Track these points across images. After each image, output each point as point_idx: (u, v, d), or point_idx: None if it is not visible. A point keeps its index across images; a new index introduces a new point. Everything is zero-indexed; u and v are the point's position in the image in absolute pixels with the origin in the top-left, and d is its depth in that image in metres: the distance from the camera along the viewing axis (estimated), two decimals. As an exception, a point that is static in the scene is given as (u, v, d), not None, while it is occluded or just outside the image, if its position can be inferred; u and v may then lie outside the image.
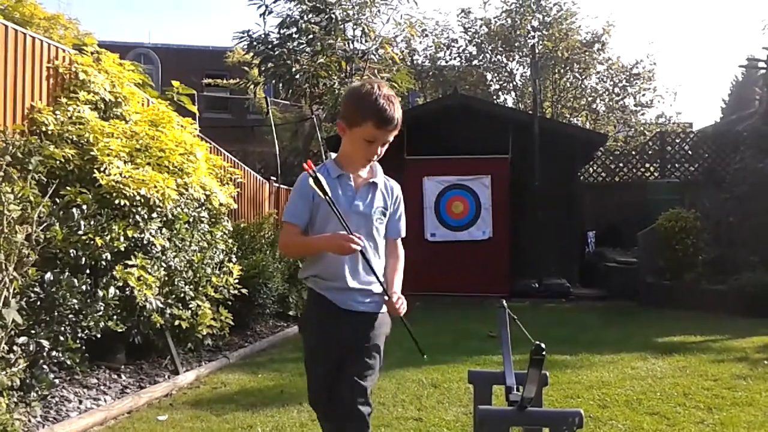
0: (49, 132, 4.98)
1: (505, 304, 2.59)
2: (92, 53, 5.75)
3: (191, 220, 5.79)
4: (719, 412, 4.39)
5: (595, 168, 15.14)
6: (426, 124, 11.92)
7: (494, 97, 19.94)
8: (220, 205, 6.37)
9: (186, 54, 25.50)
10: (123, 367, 5.41)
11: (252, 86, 12.57)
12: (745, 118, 15.66)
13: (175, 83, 8.45)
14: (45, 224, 4.01)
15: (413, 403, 4.69)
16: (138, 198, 4.97)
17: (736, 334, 7.20)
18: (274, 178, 10.51)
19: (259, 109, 16.82)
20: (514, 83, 20.09)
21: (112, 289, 4.55)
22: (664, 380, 5.27)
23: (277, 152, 12.26)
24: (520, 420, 2.13)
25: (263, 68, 10.56)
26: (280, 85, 10.72)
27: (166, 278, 5.47)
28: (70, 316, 4.30)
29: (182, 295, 5.72)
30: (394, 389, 5.07)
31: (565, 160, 12.42)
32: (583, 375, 5.48)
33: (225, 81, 17.20)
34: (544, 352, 2.12)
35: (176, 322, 5.62)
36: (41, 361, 4.18)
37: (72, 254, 4.48)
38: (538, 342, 2.17)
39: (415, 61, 19.08)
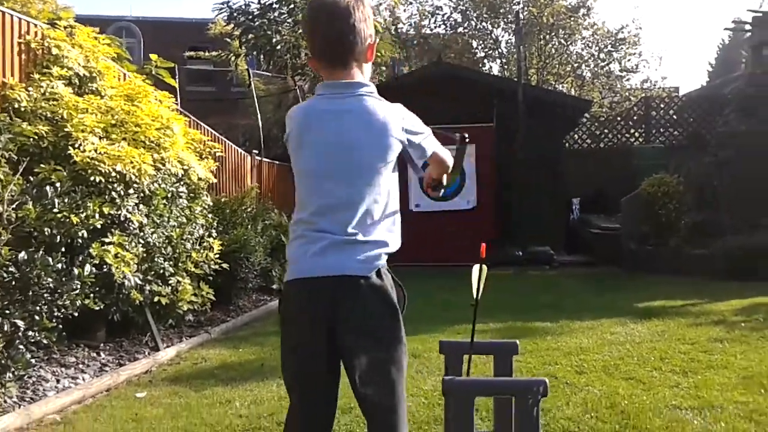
0: (22, 109, 4.90)
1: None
2: (66, 27, 5.65)
3: (169, 195, 5.75)
4: (694, 375, 4.45)
5: (580, 135, 15.13)
6: (410, 93, 11.82)
7: (480, 65, 19.82)
8: (199, 179, 6.32)
9: (168, 27, 25.12)
10: (102, 345, 5.42)
11: (234, 58, 12.42)
12: (731, 81, 15.61)
13: (153, 57, 8.33)
14: (17, 203, 3.96)
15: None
16: (114, 174, 4.92)
17: (715, 298, 7.27)
18: (256, 152, 10.43)
19: (242, 81, 16.64)
20: (500, 50, 19.99)
21: (88, 267, 4.52)
22: (642, 345, 5.32)
23: (260, 125, 12.16)
24: (485, 390, 2.14)
25: (244, 39, 10.42)
26: (261, 56, 10.59)
27: (145, 255, 5.45)
28: (46, 295, 4.27)
29: (161, 271, 5.71)
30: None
31: (550, 127, 12.44)
32: (563, 341, 5.53)
33: (207, 53, 16.97)
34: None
35: (156, 299, 5.61)
36: (17, 341, 4.17)
37: (47, 233, 4.44)
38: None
39: (399, 30, 18.89)
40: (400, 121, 2.11)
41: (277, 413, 3.88)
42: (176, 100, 7.14)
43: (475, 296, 2.50)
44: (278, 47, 9.95)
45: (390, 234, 2.11)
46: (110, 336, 5.69)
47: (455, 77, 12.21)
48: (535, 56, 19.36)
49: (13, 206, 3.92)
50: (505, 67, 19.71)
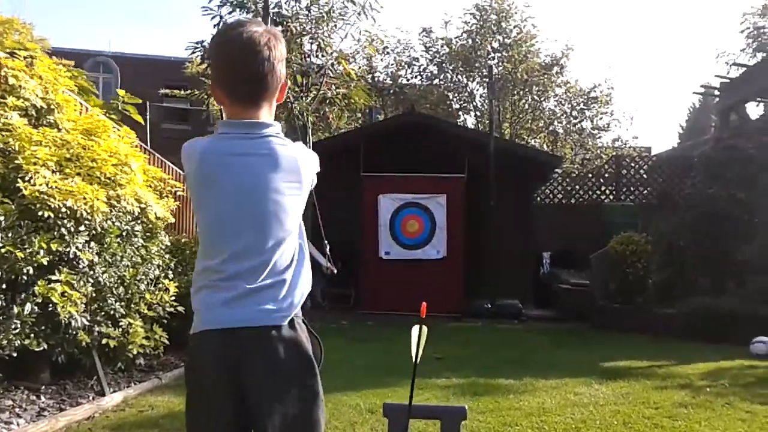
0: (-29, 138, 4.73)
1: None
2: (26, 58, 5.50)
3: (123, 233, 5.55)
4: (657, 442, 4.30)
5: (551, 189, 15.20)
6: (383, 141, 11.86)
7: (455, 116, 20.00)
8: (157, 218, 6.13)
9: (145, 63, 25.07)
10: (44, 387, 5.13)
11: (206, 97, 12.34)
12: (701, 144, 15.89)
13: (121, 92, 8.22)
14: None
15: (346, 431, 4.51)
16: (64, 210, 4.72)
17: (682, 360, 7.16)
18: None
19: (217, 119, 16.55)
20: (474, 103, 20.21)
21: (29, 306, 4.30)
22: (606, 407, 5.17)
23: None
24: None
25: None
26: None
27: (95, 294, 5.22)
28: (-20, 334, 4.04)
29: (112, 312, 5.47)
30: (329, 415, 4.87)
31: (522, 181, 12.48)
32: (525, 401, 5.36)
33: (182, 92, 16.89)
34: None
35: (104, 341, 5.36)
36: (-53, 381, 3.92)
37: (-14, 268, 4.22)
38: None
39: (376, 78, 19.04)
40: (309, 165, 2.01)
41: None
42: (146, 137, 7.01)
43: (414, 358, 2.35)
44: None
45: (302, 280, 1.98)
46: (55, 378, 5.40)
47: (428, 127, 12.23)
48: (509, 111, 19.60)
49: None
50: (480, 119, 19.89)
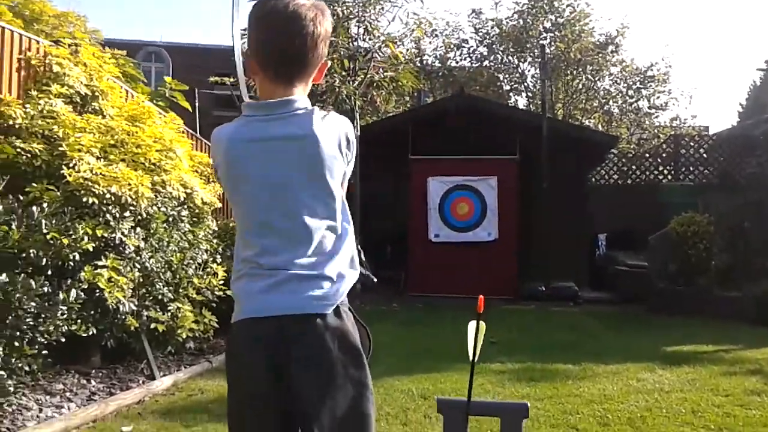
0: (17, 126, 4.71)
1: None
2: (70, 45, 5.48)
3: (170, 219, 5.50)
4: (730, 432, 4.03)
5: (607, 170, 14.72)
6: (432, 123, 11.62)
7: (506, 98, 19.57)
8: (203, 203, 6.07)
9: (197, 53, 25.22)
10: (95, 371, 5.13)
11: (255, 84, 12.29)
12: (763, 123, 15.18)
13: (168, 79, 8.21)
14: (-6, 222, 3.72)
15: (399, 417, 4.37)
16: (108, 196, 4.68)
17: (750, 344, 6.80)
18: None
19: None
20: (526, 84, 19.71)
21: (74, 292, 4.26)
22: (672, 395, 4.90)
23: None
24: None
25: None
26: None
27: (142, 279, 5.18)
28: (28, 320, 4.01)
29: (160, 297, 5.44)
30: (380, 401, 4.74)
31: (576, 162, 12.09)
32: (585, 387, 5.12)
33: (232, 78, 16.94)
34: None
35: (153, 325, 5.34)
36: (-3, 368, 3.91)
37: (32, 255, 4.19)
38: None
39: (424, 62, 18.74)
40: (344, 138, 1.82)
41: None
42: (195, 123, 6.97)
43: (471, 356, 2.17)
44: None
45: (348, 266, 1.85)
46: (105, 362, 5.41)
47: (478, 109, 11.92)
48: (562, 91, 19.04)
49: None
50: (531, 101, 19.43)
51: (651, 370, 5.68)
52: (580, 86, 19.52)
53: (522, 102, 20.15)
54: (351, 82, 10.86)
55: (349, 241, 1.88)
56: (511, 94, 20.04)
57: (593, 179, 14.32)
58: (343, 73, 10.84)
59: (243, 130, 1.80)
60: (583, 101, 19.56)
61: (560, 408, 4.53)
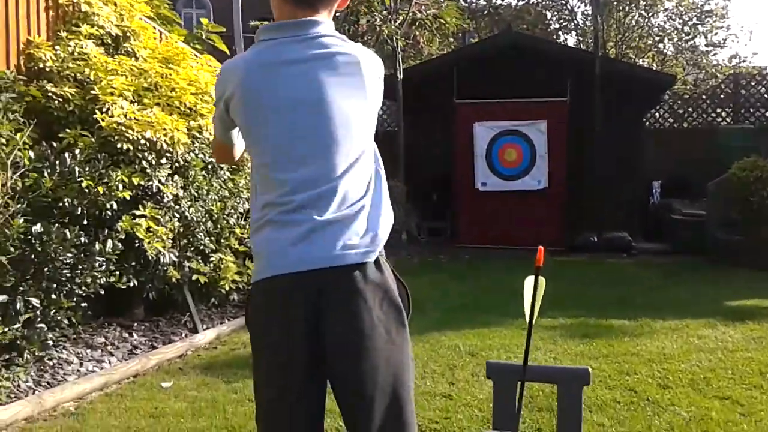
0: (47, 69, 4.53)
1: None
2: (99, -17, 5.23)
3: (208, 166, 5.32)
4: (804, 396, 3.73)
5: (661, 113, 14.05)
6: (477, 65, 11.13)
7: (554, 36, 18.79)
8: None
9: (237, -3, 24.82)
10: (137, 324, 5.05)
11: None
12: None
13: (204, 21, 7.92)
14: (23, 170, 3.55)
15: (445, 375, 4.16)
16: (143, 142, 4.49)
17: (819, 299, 6.41)
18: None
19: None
20: (575, 22, 18.84)
21: (110, 242, 4.11)
22: (736, 354, 4.59)
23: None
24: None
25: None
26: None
27: (182, 230, 5.03)
28: (65, 271, 3.89)
29: (202, 247, 5.30)
30: (426, 357, 4.55)
31: (629, 104, 11.50)
32: (643, 345, 4.84)
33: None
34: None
35: (195, 277, 5.22)
36: (36, 320, 3.81)
37: (67, 204, 4.05)
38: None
39: (468, 0, 18.05)
40: (374, 68, 1.65)
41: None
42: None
43: (528, 316, 1.92)
44: (337, 14, 9.40)
45: (384, 210, 1.64)
46: (148, 315, 5.34)
47: (526, 48, 11.36)
48: (614, 29, 18.14)
49: (18, 173, 3.50)
50: (581, 39, 18.60)
51: (712, 327, 5.35)
52: (633, 23, 18.55)
53: (571, 41, 19.33)
54: (392, 21, 10.42)
55: (382, 185, 1.68)
56: (559, 32, 19.22)
57: (647, 123, 13.72)
58: (384, 12, 10.41)
59: (263, 54, 1.60)
60: (636, 39, 18.63)
61: (617, 367, 4.27)
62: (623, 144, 11.26)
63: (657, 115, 14.00)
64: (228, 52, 8.09)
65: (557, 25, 19.37)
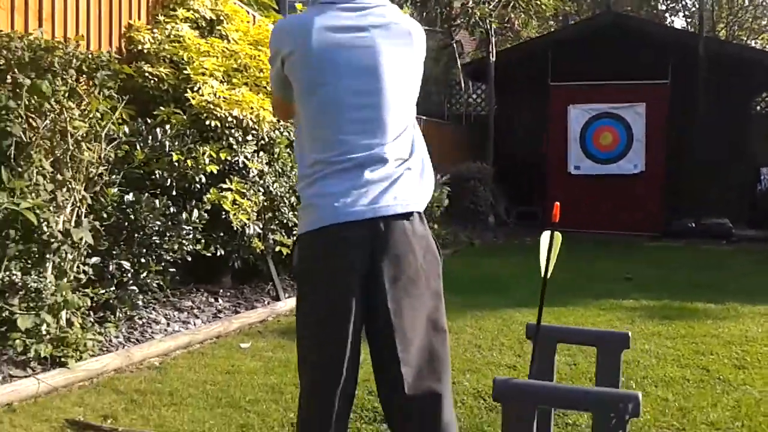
0: (145, 51, 4.86)
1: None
2: (196, -31, 5.54)
3: (293, 144, 5.53)
4: None
5: (774, 96, 13.26)
6: (574, 47, 10.91)
7: (661, 19, 18.06)
8: (327, 129, 6.05)
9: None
10: (223, 291, 5.33)
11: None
12: None
13: (299, 6, 8.14)
14: (116, 142, 3.86)
15: (513, 348, 4.20)
16: (230, 119, 4.75)
17: None
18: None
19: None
20: (684, 3, 18.05)
21: (196, 212, 4.39)
22: (825, 340, 4.37)
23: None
24: (549, 399, 1.60)
25: (396, -10, 10.06)
26: (411, 8, 10.16)
27: (267, 203, 5.28)
28: (155, 238, 4.20)
29: (285, 221, 5.54)
30: (497, 331, 4.60)
31: (737, 87, 10.95)
32: (725, 328, 4.69)
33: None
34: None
35: (278, 248, 5.46)
36: (128, 283, 4.14)
37: (157, 175, 4.36)
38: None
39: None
40: (421, 37, 1.80)
41: (370, 382, 3.52)
42: None
43: (543, 270, 1.97)
44: (430, -3, 9.45)
45: (426, 172, 1.81)
46: (235, 283, 5.63)
47: (626, 28, 11.02)
48: (726, 9, 17.25)
49: (112, 145, 3.81)
50: (690, 21, 17.80)
51: (805, 313, 5.10)
52: (746, 3, 17.57)
53: (679, 23, 18.55)
54: (486, 4, 10.37)
55: (424, 148, 1.84)
56: (667, 14, 18.45)
57: (758, 107, 13.00)
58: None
59: (326, 17, 1.72)
60: (749, 20, 17.63)
61: (693, 348, 4.17)
62: (729, 128, 10.77)
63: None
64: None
65: (663, 7, 18.61)
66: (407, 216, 1.69)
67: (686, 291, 5.93)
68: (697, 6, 15.22)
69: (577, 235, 10.10)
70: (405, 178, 1.72)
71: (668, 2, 18.44)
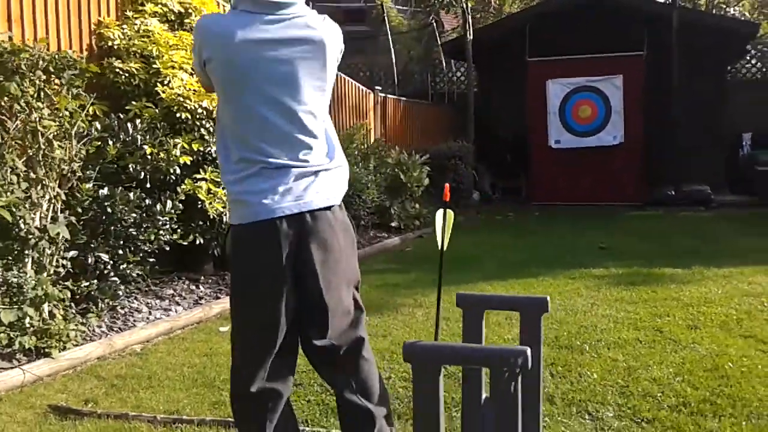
0: (115, 47, 4.99)
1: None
2: (162, -36, 5.64)
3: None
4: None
5: (754, 63, 13.38)
6: (550, 22, 11.01)
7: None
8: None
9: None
10: (204, 278, 5.50)
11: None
12: None
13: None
14: (87, 139, 4.01)
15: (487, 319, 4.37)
16: (200, 111, 4.89)
17: None
18: (379, 88, 10.15)
19: (390, 18, 16.35)
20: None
21: (169, 203, 4.54)
22: (782, 298, 4.56)
23: (394, 61, 11.89)
24: (452, 357, 1.77)
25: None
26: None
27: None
28: (131, 230, 4.35)
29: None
30: (466, 304, 4.77)
31: (711, 56, 11.07)
32: (687, 291, 4.87)
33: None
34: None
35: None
36: (109, 273, 4.31)
37: (131, 169, 4.51)
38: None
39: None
40: (340, 43, 1.97)
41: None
42: None
43: (439, 244, 2.16)
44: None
45: (341, 167, 2.02)
46: (217, 270, 5.78)
47: (600, 2, 11.10)
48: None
49: (81, 142, 3.95)
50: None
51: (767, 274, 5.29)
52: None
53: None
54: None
55: (336, 138, 2.05)
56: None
57: (737, 73, 13.12)
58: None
59: (247, 28, 1.83)
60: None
61: (651, 311, 4.35)
62: (705, 96, 10.90)
63: (749, 64, 13.35)
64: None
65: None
66: (329, 208, 1.90)
67: (659, 258, 6.11)
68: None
69: (559, 207, 10.31)
70: (323, 175, 1.92)
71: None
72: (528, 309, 2.18)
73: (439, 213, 2.20)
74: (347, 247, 1.99)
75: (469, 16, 10.72)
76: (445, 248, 2.17)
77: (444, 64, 13.21)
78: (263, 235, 1.86)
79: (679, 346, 3.63)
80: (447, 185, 2.18)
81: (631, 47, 10.54)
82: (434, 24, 12.72)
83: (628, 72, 10.68)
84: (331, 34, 1.92)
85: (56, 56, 3.77)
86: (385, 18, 12.72)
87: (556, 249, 6.98)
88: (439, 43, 12.77)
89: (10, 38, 3.87)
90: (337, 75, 8.39)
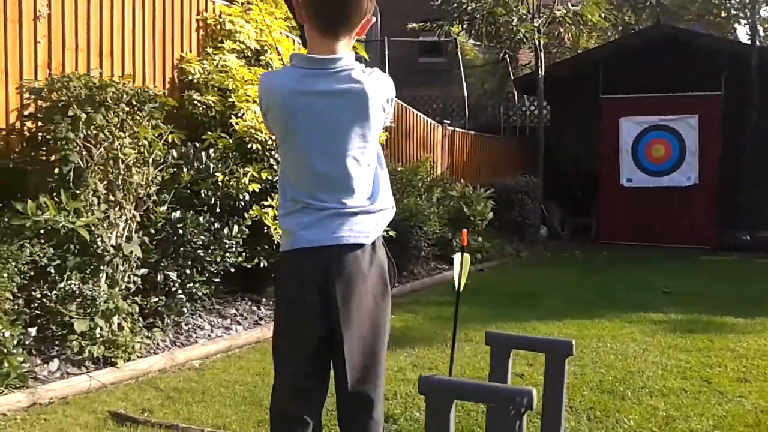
0: (195, 81, 5.34)
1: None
2: (243, 4, 6.00)
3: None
4: None
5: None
6: (625, 59, 10.96)
7: (724, 28, 17.66)
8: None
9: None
10: (265, 299, 5.74)
11: (441, 28, 12.39)
12: None
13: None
14: (163, 165, 4.32)
15: (527, 358, 4.43)
16: (270, 142, 5.17)
17: None
18: (448, 121, 10.31)
19: (465, 52, 16.58)
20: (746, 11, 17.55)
21: (236, 228, 4.81)
22: (844, 355, 4.43)
23: (465, 95, 12.04)
24: (464, 393, 1.88)
25: (446, 8, 10.37)
26: (461, 26, 10.45)
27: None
28: (199, 252, 4.63)
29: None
30: (517, 342, 4.83)
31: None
32: (744, 342, 4.78)
33: (428, 24, 17.13)
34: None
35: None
36: (177, 292, 4.59)
37: (203, 195, 4.81)
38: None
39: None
40: (387, 94, 2.05)
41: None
42: (385, 71, 7.28)
43: (456, 286, 2.27)
44: (476, 15, 9.71)
45: (387, 204, 2.11)
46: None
47: (677, 41, 11.00)
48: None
49: (158, 169, 4.27)
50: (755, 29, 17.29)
51: (835, 329, 5.13)
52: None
53: (743, 31, 18.06)
54: (531, 21, 10.55)
55: (385, 182, 2.14)
56: (730, 22, 18.03)
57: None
58: (522, 12, 10.55)
59: (297, 82, 2.01)
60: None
61: (703, 360, 4.31)
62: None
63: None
64: (368, 58, 8.71)
65: (725, 14, 18.16)
66: (358, 246, 2.02)
67: (723, 306, 5.99)
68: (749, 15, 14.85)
69: (628, 247, 10.18)
70: (361, 215, 2.04)
71: (733, 10, 18.00)
72: (553, 351, 2.28)
73: (457, 256, 2.32)
74: (377, 292, 2.05)
75: (542, 53, 10.77)
76: (461, 289, 2.28)
77: (517, 99, 13.28)
78: (296, 262, 2.03)
79: (725, 398, 3.60)
80: (464, 231, 2.30)
81: (707, 86, 10.37)
82: (507, 58, 12.81)
83: (704, 112, 10.50)
84: (375, 86, 2.02)
85: (138, 91, 4.11)
86: (458, 52, 12.90)
87: (619, 290, 6.93)
88: (512, 77, 12.86)
89: (101, 74, 4.24)
90: (406, 108, 8.63)
